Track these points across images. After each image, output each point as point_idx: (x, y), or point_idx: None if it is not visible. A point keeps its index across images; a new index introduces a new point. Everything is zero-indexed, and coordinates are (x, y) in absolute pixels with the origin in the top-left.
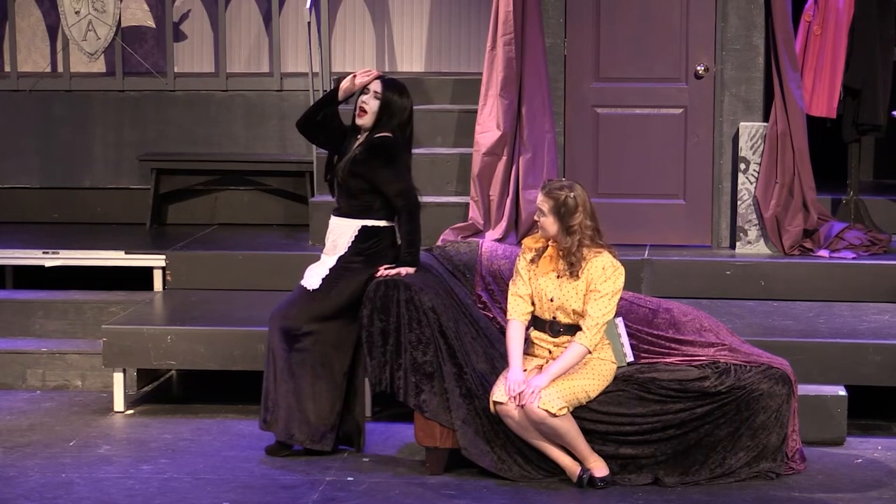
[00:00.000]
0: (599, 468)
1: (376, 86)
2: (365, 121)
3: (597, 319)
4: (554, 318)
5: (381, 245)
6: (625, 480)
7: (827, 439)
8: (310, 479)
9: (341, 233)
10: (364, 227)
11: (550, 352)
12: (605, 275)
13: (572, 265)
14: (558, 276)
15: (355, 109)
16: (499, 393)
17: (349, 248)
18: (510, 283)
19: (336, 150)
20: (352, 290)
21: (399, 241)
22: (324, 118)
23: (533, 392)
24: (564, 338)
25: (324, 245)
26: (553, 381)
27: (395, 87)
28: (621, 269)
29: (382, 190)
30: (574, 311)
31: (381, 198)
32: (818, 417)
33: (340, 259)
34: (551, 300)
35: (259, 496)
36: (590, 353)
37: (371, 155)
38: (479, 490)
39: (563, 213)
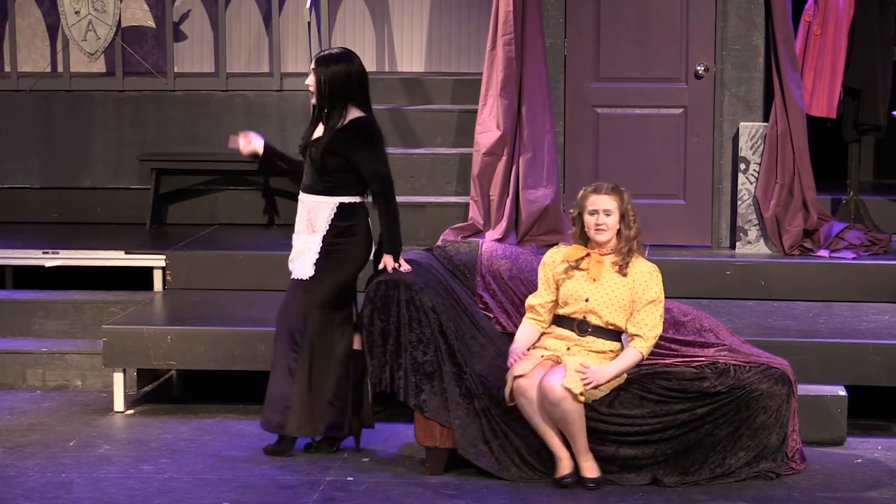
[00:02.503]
0: (591, 469)
1: (312, 64)
2: (314, 99)
3: (655, 326)
4: (584, 317)
5: (360, 223)
6: (624, 480)
7: (827, 439)
8: (310, 479)
9: (318, 210)
10: (342, 204)
11: (569, 348)
12: (653, 281)
13: (625, 259)
14: (595, 280)
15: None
16: (521, 366)
17: (329, 226)
18: (532, 294)
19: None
20: (345, 276)
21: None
22: (289, 167)
23: (591, 381)
24: (590, 338)
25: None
26: (609, 380)
27: (327, 57)
28: (659, 272)
29: (360, 169)
30: (610, 310)
31: (355, 175)
32: (818, 417)
33: (324, 240)
34: (586, 301)
35: (259, 496)
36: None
37: (352, 135)
38: (479, 490)
39: (626, 208)
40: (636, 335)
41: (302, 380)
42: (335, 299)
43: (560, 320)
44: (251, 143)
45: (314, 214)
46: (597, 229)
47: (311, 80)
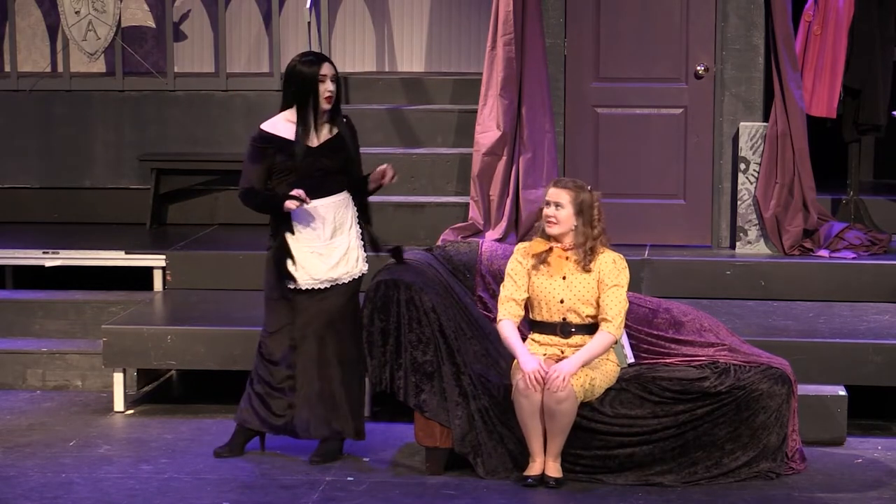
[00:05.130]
0: (557, 470)
1: (329, 70)
2: (330, 104)
3: (619, 309)
4: (564, 319)
5: None
6: (623, 480)
7: (827, 439)
8: (310, 479)
9: (344, 208)
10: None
11: (563, 351)
12: (616, 268)
13: (586, 258)
14: (564, 278)
15: (316, 98)
16: (531, 364)
17: (357, 218)
18: (501, 286)
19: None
20: None
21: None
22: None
23: (560, 377)
24: (577, 338)
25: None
26: (580, 367)
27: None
28: (626, 262)
29: (356, 160)
30: (587, 307)
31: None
32: (818, 417)
33: (360, 231)
34: (561, 302)
35: (259, 496)
36: (616, 341)
37: (352, 133)
38: (479, 490)
39: (583, 205)
40: (604, 319)
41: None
42: None
43: (539, 326)
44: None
45: (341, 213)
46: (547, 221)
47: (333, 87)
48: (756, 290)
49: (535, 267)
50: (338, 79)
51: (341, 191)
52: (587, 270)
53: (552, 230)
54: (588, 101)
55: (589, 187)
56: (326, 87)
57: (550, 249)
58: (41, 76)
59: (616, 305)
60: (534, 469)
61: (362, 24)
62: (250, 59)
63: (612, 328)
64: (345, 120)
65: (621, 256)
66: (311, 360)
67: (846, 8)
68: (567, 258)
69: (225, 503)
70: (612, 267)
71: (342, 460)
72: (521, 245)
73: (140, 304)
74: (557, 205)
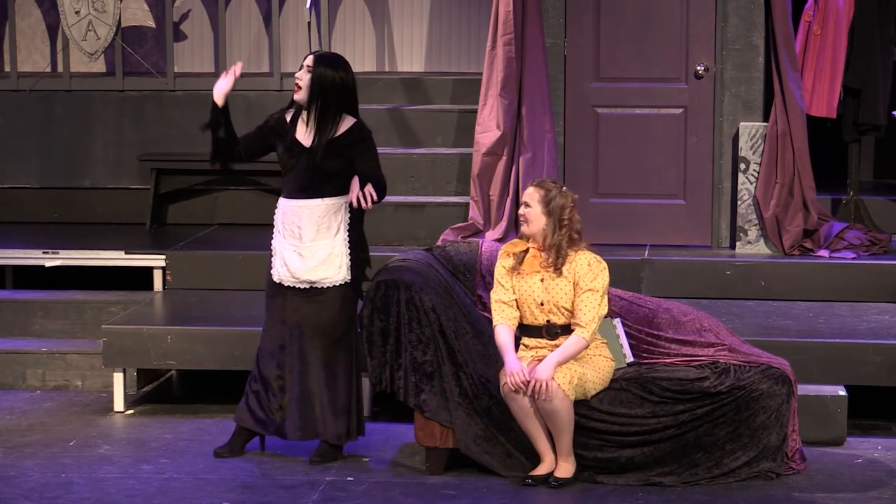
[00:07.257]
0: (566, 471)
1: (308, 60)
2: (301, 96)
3: (593, 314)
4: (548, 321)
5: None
6: (624, 480)
7: (827, 439)
8: (310, 479)
9: (330, 212)
10: (350, 203)
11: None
12: (592, 271)
13: (557, 260)
14: (542, 280)
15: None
16: (514, 368)
17: (349, 224)
18: (491, 291)
19: (272, 147)
20: (361, 269)
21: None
22: (228, 134)
23: (542, 386)
24: (563, 339)
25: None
26: (556, 368)
27: (326, 61)
28: (604, 264)
29: (364, 170)
30: (566, 310)
31: (349, 176)
32: (818, 417)
33: (349, 239)
34: (541, 304)
35: (259, 496)
36: (588, 346)
37: (357, 139)
38: (479, 490)
39: (552, 205)
40: (577, 324)
41: (356, 383)
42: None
43: (525, 329)
44: (225, 86)
45: (328, 217)
46: (518, 218)
47: (303, 77)
48: (756, 290)
49: (514, 268)
50: (319, 80)
51: (333, 195)
52: (558, 273)
53: (523, 229)
54: (588, 101)
55: (564, 188)
56: (296, 75)
57: (527, 250)
58: (41, 76)
59: (590, 311)
60: (543, 468)
61: (362, 24)
62: (250, 59)
63: (586, 333)
64: (353, 124)
65: (598, 258)
66: (297, 360)
67: (846, 8)
68: (542, 259)
69: (225, 503)
70: (586, 269)
71: (342, 460)
72: (503, 247)
73: (140, 304)
74: (526, 204)
